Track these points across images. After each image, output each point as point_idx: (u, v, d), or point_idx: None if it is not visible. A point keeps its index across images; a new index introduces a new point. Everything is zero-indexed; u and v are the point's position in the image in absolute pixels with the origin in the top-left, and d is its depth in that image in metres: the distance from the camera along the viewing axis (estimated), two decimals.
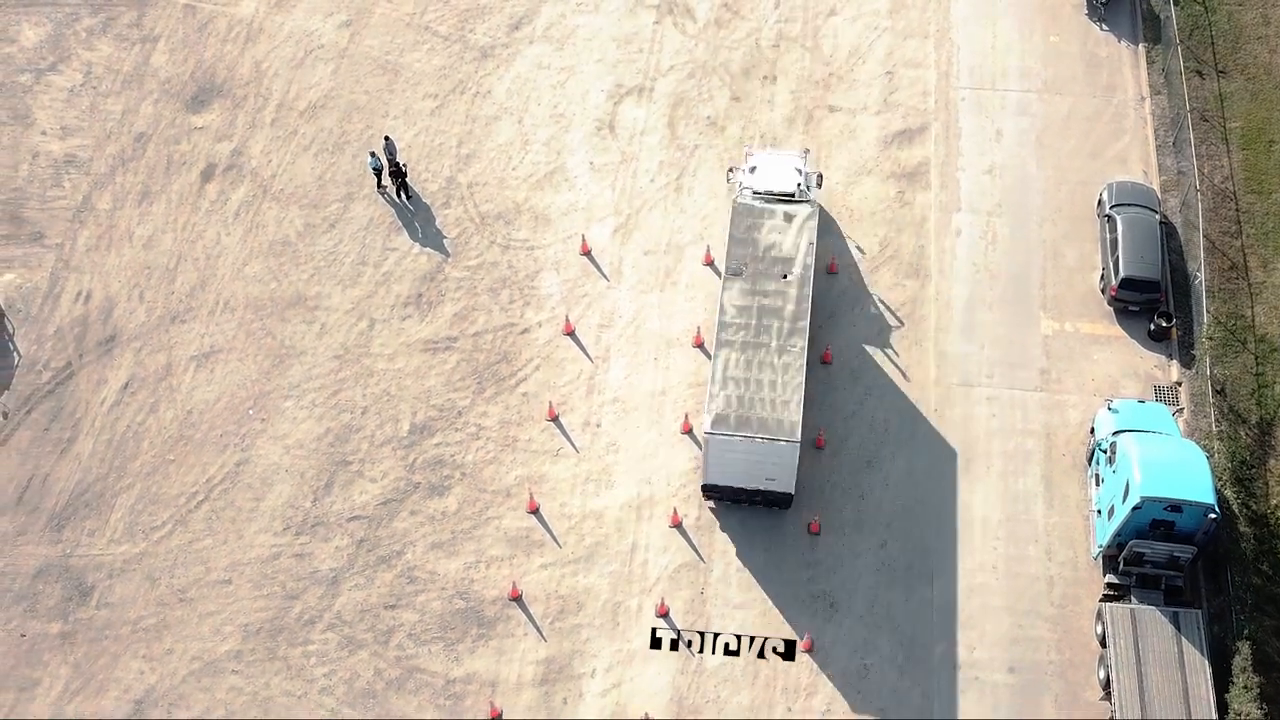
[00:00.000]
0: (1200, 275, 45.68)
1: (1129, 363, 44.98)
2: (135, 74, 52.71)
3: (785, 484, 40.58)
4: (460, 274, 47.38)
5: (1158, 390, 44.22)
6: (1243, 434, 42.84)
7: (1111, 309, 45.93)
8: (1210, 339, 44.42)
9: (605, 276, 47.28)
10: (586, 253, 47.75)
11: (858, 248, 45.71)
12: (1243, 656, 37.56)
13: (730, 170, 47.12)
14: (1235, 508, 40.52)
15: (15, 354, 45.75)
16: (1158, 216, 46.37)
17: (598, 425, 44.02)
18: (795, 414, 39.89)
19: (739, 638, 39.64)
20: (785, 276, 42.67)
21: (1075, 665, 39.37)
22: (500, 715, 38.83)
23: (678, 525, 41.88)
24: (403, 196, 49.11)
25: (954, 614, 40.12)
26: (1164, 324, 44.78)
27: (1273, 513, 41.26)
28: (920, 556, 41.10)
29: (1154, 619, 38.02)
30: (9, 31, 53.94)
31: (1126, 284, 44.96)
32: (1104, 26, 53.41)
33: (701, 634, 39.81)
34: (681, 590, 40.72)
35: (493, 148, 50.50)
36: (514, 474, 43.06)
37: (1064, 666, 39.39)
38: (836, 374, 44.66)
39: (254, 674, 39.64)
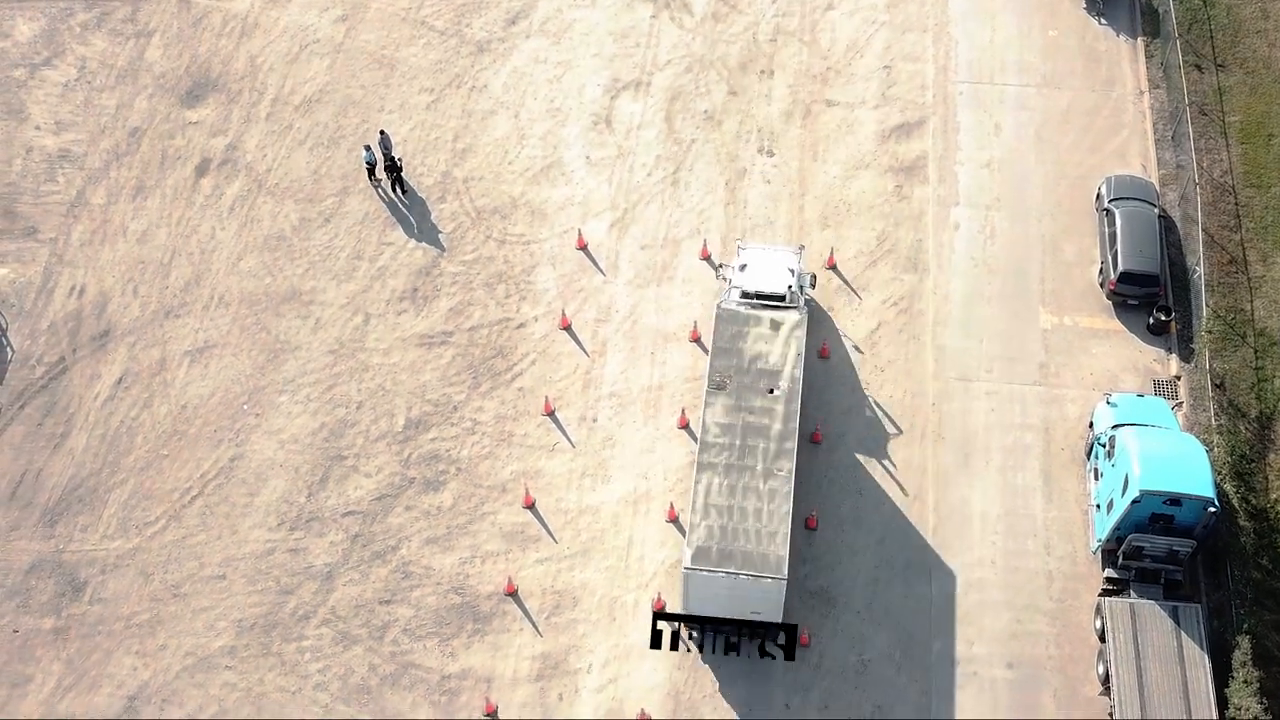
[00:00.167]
0: (1199, 269, 45.51)
1: (1128, 357, 44.79)
2: (130, 69, 52.50)
3: (772, 615, 38.17)
4: (456, 268, 47.17)
5: (1157, 384, 44.03)
6: (1242, 428, 42.67)
7: (1110, 303, 45.74)
8: (1209, 333, 44.25)
9: (601, 271, 47.07)
10: (583, 247, 47.54)
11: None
12: (1242, 651, 37.43)
13: (719, 266, 45.49)
14: (1235, 502, 40.34)
15: (9, 349, 45.52)
16: (1156, 210, 46.19)
17: (594, 420, 43.81)
18: (782, 548, 37.21)
19: (738, 633, 39.37)
20: (772, 391, 39.97)
21: (1074, 660, 39.17)
22: (495, 711, 38.62)
23: (674, 520, 41.66)
24: (398, 191, 48.90)
25: (952, 609, 39.99)
26: (1163, 318, 44.60)
27: (1272, 507, 41.08)
28: (919, 552, 40.99)
29: (1153, 613, 37.82)
30: (3, 26, 53.71)
31: (1125, 278, 44.79)
32: (1103, 21, 53.22)
33: (699, 630, 39.55)
34: (678, 586, 40.43)
35: (489, 142, 50.29)
36: (510, 469, 42.84)
37: (1063, 661, 39.19)
38: (834, 368, 44.53)
39: (248, 670, 39.42)
